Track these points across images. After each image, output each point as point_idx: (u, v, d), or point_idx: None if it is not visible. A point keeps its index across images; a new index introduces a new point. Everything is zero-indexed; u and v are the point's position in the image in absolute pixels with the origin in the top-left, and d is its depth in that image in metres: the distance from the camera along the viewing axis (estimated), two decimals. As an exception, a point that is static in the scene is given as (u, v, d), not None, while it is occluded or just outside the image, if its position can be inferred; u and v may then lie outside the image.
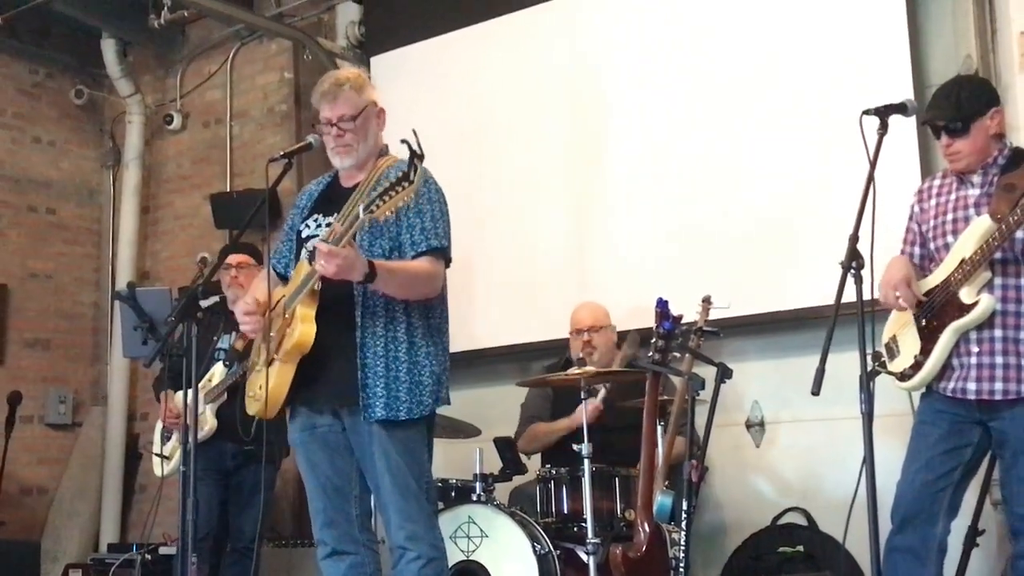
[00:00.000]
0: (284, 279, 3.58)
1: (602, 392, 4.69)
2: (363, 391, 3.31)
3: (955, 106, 3.50)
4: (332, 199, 3.51)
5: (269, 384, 3.33)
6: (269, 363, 3.36)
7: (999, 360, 3.39)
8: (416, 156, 2.99)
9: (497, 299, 5.85)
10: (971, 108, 3.49)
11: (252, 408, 3.49)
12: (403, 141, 2.99)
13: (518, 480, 4.97)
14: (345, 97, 3.46)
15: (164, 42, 7.37)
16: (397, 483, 3.33)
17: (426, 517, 3.40)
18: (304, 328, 3.28)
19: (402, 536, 3.34)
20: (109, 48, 7.27)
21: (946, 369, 3.48)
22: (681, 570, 4.03)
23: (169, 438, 5.19)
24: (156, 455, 5.17)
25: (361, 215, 3.05)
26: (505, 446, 4.88)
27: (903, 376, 3.57)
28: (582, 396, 4.40)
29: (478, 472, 4.60)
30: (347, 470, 3.44)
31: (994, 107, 3.53)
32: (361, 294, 3.34)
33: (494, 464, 4.83)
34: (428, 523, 3.41)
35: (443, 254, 3.43)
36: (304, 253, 3.44)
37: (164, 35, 7.22)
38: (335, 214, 3.38)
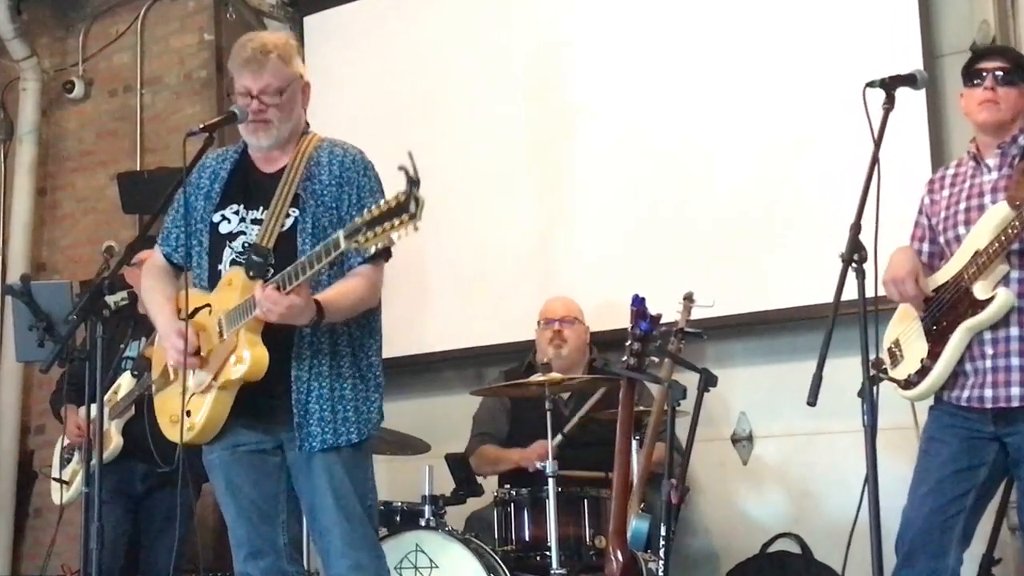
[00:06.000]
0: (177, 268, 3.59)
1: (559, 437, 4.72)
2: (304, 418, 3.33)
3: (1014, 55, 3.65)
4: (251, 187, 3.50)
5: (206, 413, 3.33)
6: (204, 391, 3.34)
7: (1015, 362, 3.41)
8: (413, 183, 2.97)
9: (449, 298, 5.85)
10: None
11: (175, 435, 3.43)
12: (400, 168, 2.93)
13: (473, 504, 4.98)
14: (272, 67, 3.43)
15: (64, -3, 7.32)
16: (341, 505, 3.34)
17: (372, 545, 3.42)
18: (256, 353, 3.27)
19: (345, 565, 3.34)
20: (-1, 4, 7.21)
21: (958, 376, 3.50)
22: (659, 605, 4.06)
23: (69, 460, 5.15)
24: (54, 480, 5.13)
25: (343, 244, 3.05)
26: (458, 464, 4.88)
27: (908, 383, 3.59)
28: (547, 408, 4.40)
29: (427, 493, 4.60)
30: (274, 492, 3.44)
31: None
32: None
33: (445, 484, 4.83)
34: (374, 552, 3.42)
35: (388, 254, 3.44)
36: (228, 252, 3.43)
37: (64, -11, 7.17)
38: (260, 208, 3.41)
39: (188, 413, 3.37)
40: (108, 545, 4.02)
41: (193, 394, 3.36)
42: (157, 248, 3.64)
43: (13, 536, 6.99)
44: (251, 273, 3.26)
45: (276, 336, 3.29)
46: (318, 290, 3.31)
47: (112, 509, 4.76)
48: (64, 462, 5.18)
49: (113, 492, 4.81)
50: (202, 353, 3.37)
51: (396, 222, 2.93)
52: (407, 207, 2.92)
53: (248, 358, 3.26)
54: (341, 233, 3.06)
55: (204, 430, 3.35)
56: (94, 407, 3.55)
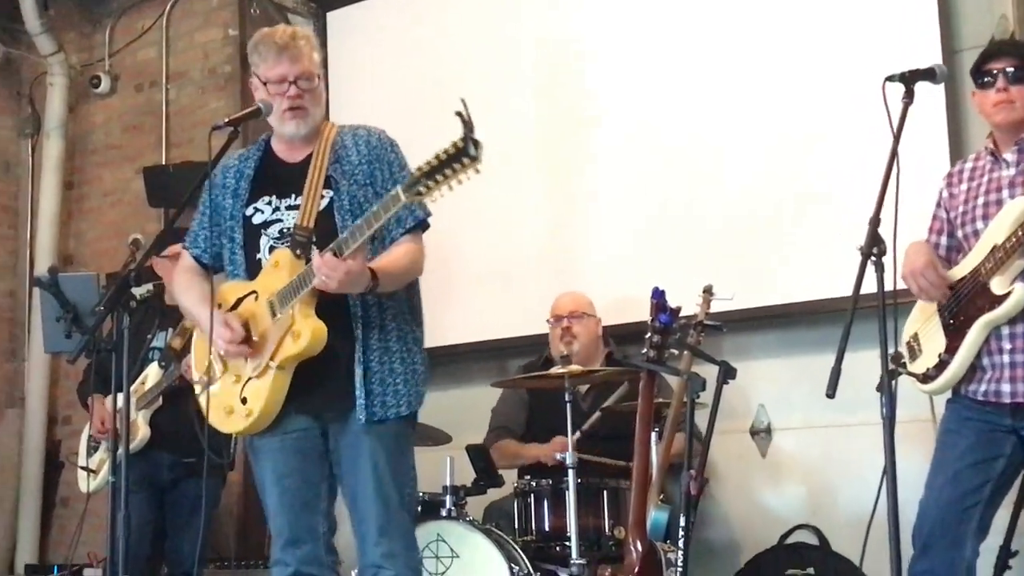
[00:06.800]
0: (206, 268, 3.63)
1: (578, 434, 4.73)
2: (361, 388, 3.35)
3: (1023, 51, 3.59)
4: (278, 177, 3.53)
5: (265, 396, 3.35)
6: (261, 373, 3.36)
7: (1033, 358, 3.42)
8: (469, 127, 3.00)
9: (470, 291, 5.85)
10: None
11: (235, 426, 3.46)
12: (457, 113, 2.99)
13: (493, 494, 5.00)
14: (307, 53, 3.48)
15: (91, -7, 7.36)
16: (380, 492, 3.37)
17: (405, 534, 3.45)
18: (315, 326, 3.29)
19: (378, 553, 3.37)
20: (27, 0, 7.24)
21: (975, 370, 3.51)
22: (678, 595, 4.08)
23: (96, 448, 5.18)
24: (81, 468, 5.16)
25: (403, 198, 3.06)
26: (479, 455, 4.89)
27: (926, 377, 3.60)
28: (566, 399, 4.42)
29: (448, 484, 4.61)
30: (318, 479, 3.47)
31: None
32: None
33: (466, 475, 4.85)
34: (407, 541, 3.46)
35: (425, 225, 3.50)
36: (264, 240, 3.46)
37: (91, -15, 7.21)
38: (292, 195, 3.45)
39: (244, 401, 3.39)
40: (134, 534, 4.07)
41: (249, 379, 3.38)
42: (186, 252, 3.67)
43: (40, 525, 7.05)
44: (297, 251, 3.32)
45: (328, 310, 3.32)
46: None
47: (138, 499, 4.77)
48: (91, 450, 5.20)
49: (139, 482, 4.82)
50: (254, 337, 3.39)
51: (457, 167, 2.97)
52: (467, 151, 2.96)
53: (306, 332, 3.28)
54: (400, 188, 3.08)
55: (263, 415, 3.37)
56: (120, 397, 3.59)
